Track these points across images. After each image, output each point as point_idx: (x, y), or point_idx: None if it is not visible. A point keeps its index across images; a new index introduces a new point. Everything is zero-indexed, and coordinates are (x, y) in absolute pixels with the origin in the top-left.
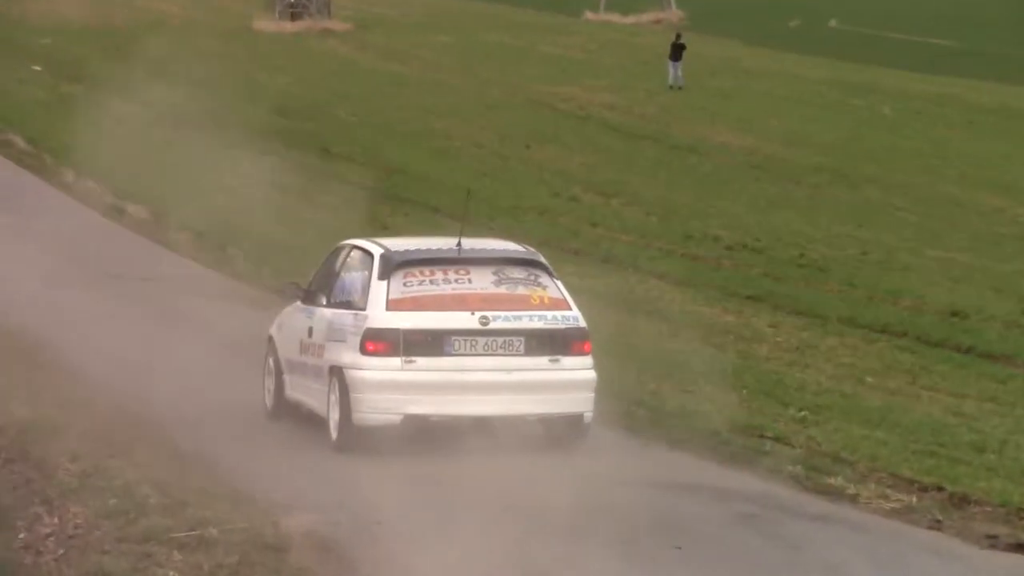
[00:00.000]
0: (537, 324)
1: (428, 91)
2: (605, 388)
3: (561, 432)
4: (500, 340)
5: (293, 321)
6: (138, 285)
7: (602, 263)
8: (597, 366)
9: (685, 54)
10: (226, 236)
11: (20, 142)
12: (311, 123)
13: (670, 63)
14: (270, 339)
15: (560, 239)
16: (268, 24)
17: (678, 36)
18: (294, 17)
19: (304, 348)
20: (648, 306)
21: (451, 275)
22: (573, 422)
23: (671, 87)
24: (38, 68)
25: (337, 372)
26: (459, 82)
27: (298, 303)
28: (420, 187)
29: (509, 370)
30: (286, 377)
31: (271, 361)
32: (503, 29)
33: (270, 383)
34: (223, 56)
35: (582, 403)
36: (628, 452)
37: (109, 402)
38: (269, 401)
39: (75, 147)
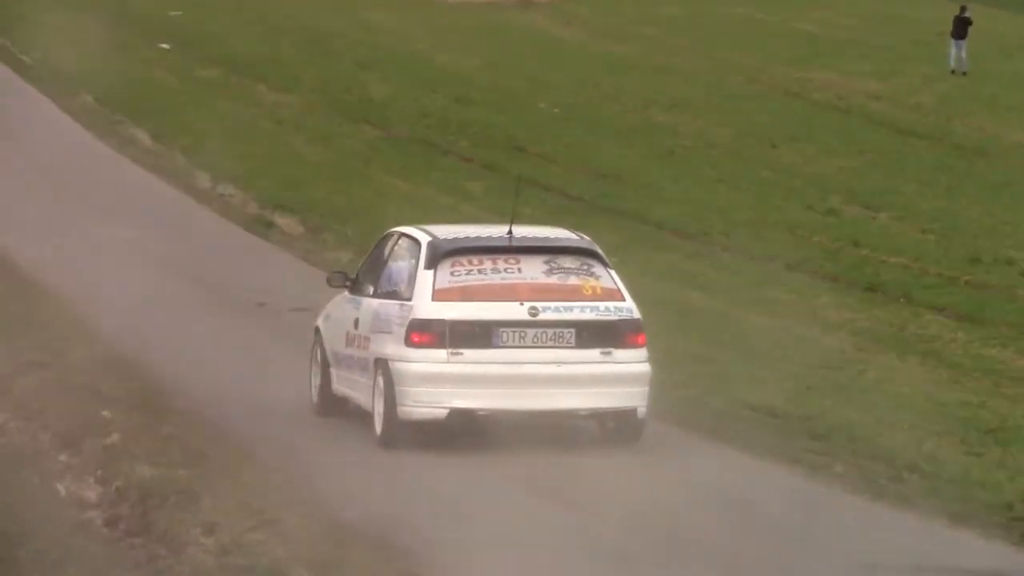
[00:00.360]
0: (589, 315)
1: (650, 77)
2: (868, 448)
3: (614, 428)
4: (550, 332)
5: (340, 312)
6: (287, 317)
7: (866, 292)
8: (876, 423)
9: (971, 30)
10: None
11: (145, 139)
12: (502, 115)
13: (952, 42)
14: (317, 331)
15: (813, 262)
16: None
17: (963, 9)
18: None
19: (350, 340)
20: (923, 346)
21: (500, 264)
22: (626, 417)
23: (953, 72)
24: (166, 46)
25: (382, 364)
26: (689, 66)
27: (345, 293)
28: (638, 197)
29: (559, 363)
30: (333, 371)
31: (318, 353)
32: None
33: (316, 377)
34: (396, 33)
35: (635, 397)
36: (901, 530)
37: (251, 460)
38: (315, 396)
39: (211, 145)
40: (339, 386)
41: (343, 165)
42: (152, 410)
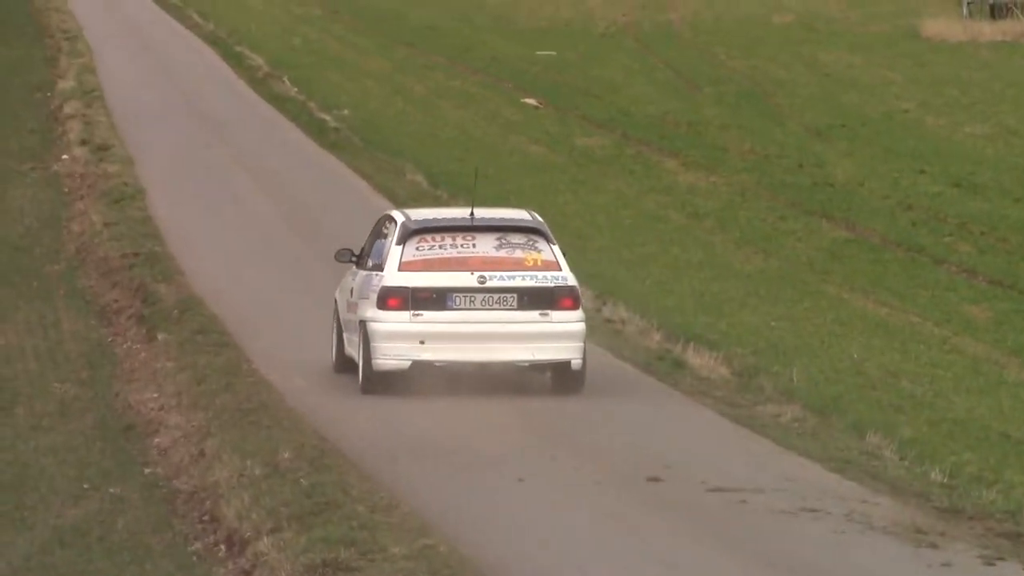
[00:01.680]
0: (529, 283)
1: None
2: None
3: (554, 377)
4: (496, 296)
5: (346, 283)
6: (701, 499)
7: None
8: None
9: None
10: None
11: None
12: (1020, 208)
13: None
14: (335, 301)
15: None
16: (948, 27)
17: None
18: (995, 15)
19: (350, 307)
20: None
21: (459, 241)
22: (562, 368)
23: None
24: (533, 102)
25: (363, 325)
26: None
27: (353, 267)
28: None
29: (503, 323)
30: (345, 335)
31: (334, 321)
32: None
33: (334, 342)
34: (862, 83)
35: (569, 351)
36: None
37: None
38: (333, 357)
39: (594, 243)
40: (348, 348)
41: (787, 278)
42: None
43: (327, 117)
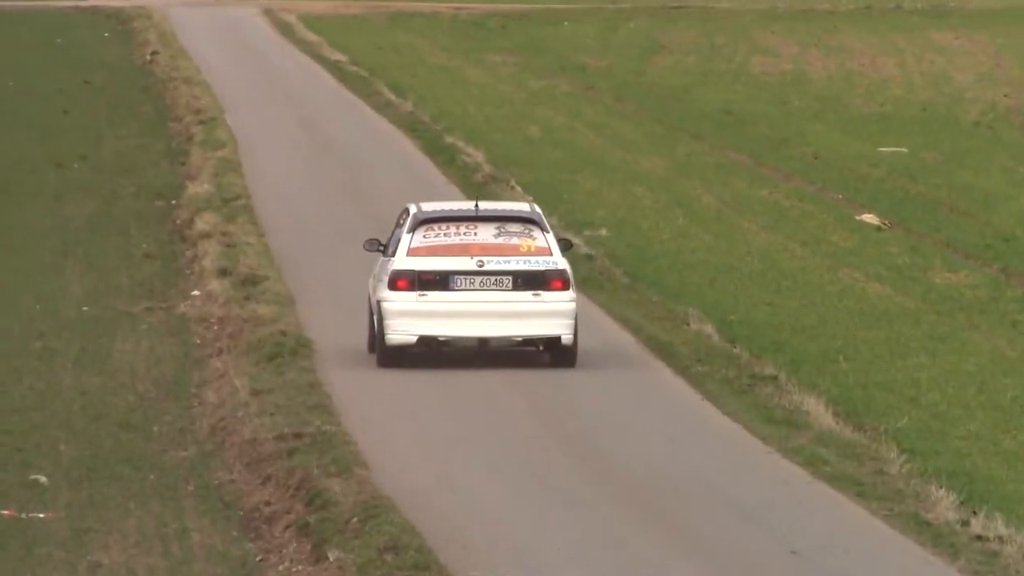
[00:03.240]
0: (523, 267)
1: None
2: None
3: (547, 351)
4: (493, 279)
5: (373, 270)
6: None
7: None
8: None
9: None
10: None
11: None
12: None
13: None
14: (368, 288)
15: None
16: None
17: None
18: None
19: (373, 290)
20: None
21: (462, 229)
22: (554, 343)
23: None
24: (872, 220)
25: (378, 305)
26: None
27: (380, 256)
28: None
29: (500, 302)
30: (375, 317)
31: (368, 306)
32: None
33: (367, 326)
34: None
35: (559, 328)
36: None
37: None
38: (368, 338)
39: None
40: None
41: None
42: None
43: (577, 240)
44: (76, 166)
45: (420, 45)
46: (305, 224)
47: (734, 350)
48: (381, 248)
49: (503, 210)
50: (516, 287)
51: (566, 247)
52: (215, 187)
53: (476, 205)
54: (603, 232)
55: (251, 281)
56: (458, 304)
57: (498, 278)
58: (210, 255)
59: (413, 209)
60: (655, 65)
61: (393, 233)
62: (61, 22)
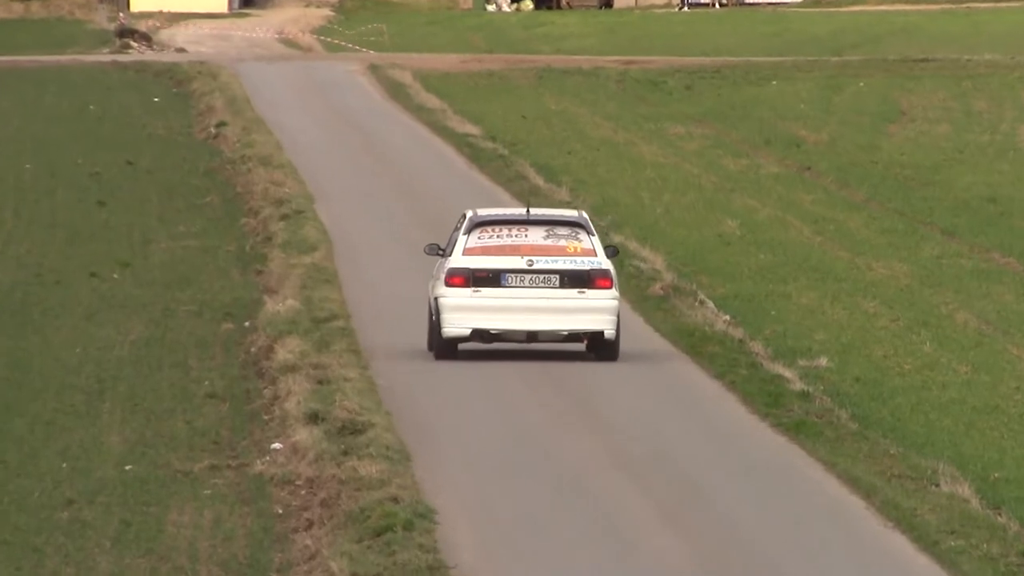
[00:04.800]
0: (569, 266)
1: None
2: None
3: (591, 345)
4: (541, 277)
5: (433, 271)
6: None
7: None
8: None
9: None
10: None
11: None
12: None
13: None
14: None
15: None
16: None
17: None
18: None
19: (431, 288)
20: None
21: (514, 231)
22: (597, 337)
23: None
24: None
25: (435, 301)
26: None
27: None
28: None
29: (547, 298)
30: (432, 314)
31: (429, 305)
32: None
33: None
34: None
35: (603, 323)
36: None
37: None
38: (429, 335)
39: None
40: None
41: None
42: None
43: (784, 372)
44: (116, 276)
45: (577, 113)
46: (423, 354)
47: (999, 519)
48: (440, 252)
49: (553, 215)
50: (563, 285)
51: (613, 253)
52: (303, 303)
53: (527, 210)
54: (823, 362)
55: (351, 430)
56: (509, 300)
57: (546, 276)
58: (296, 395)
59: (470, 214)
60: (893, 138)
61: (451, 236)
62: (96, 82)
